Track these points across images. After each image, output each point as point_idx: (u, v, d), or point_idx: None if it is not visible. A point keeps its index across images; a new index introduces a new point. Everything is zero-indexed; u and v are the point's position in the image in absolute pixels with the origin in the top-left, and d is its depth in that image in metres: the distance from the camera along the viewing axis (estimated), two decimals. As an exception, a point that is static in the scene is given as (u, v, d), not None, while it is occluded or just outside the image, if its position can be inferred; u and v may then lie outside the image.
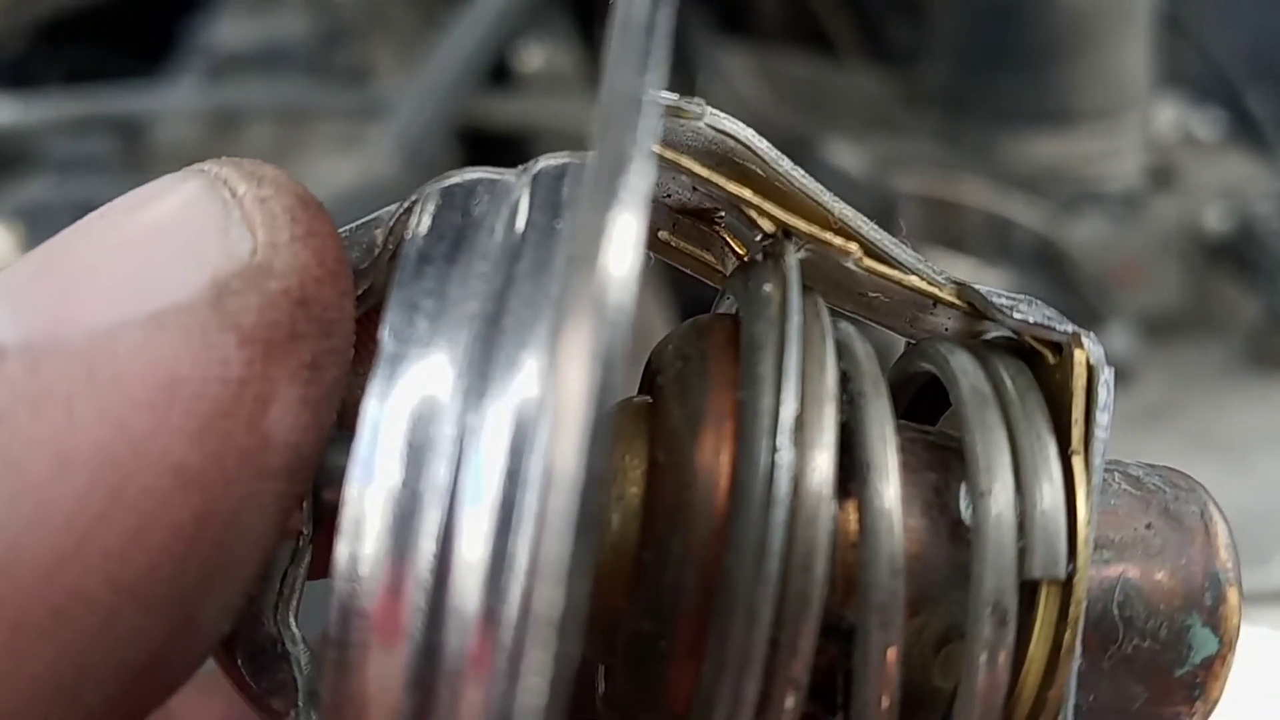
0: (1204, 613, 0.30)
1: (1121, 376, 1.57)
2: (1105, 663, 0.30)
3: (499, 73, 1.60)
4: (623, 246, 0.22)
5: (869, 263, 0.31)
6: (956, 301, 0.32)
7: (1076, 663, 0.28)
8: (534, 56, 1.80)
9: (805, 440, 0.27)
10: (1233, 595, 0.30)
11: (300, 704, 0.29)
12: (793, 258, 0.30)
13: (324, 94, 1.49)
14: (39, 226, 1.32)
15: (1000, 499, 0.28)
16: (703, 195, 0.33)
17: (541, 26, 1.81)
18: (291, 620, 0.29)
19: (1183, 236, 1.61)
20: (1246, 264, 1.62)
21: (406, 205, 0.30)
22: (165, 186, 0.28)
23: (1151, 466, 0.32)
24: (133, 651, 0.25)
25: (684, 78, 1.94)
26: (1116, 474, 0.32)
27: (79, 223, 0.28)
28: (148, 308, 0.24)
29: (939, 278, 0.32)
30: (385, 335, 0.26)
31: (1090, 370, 0.30)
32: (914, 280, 0.32)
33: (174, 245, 0.26)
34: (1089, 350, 0.30)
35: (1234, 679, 0.85)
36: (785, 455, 0.26)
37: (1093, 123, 1.61)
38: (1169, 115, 1.75)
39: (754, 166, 0.31)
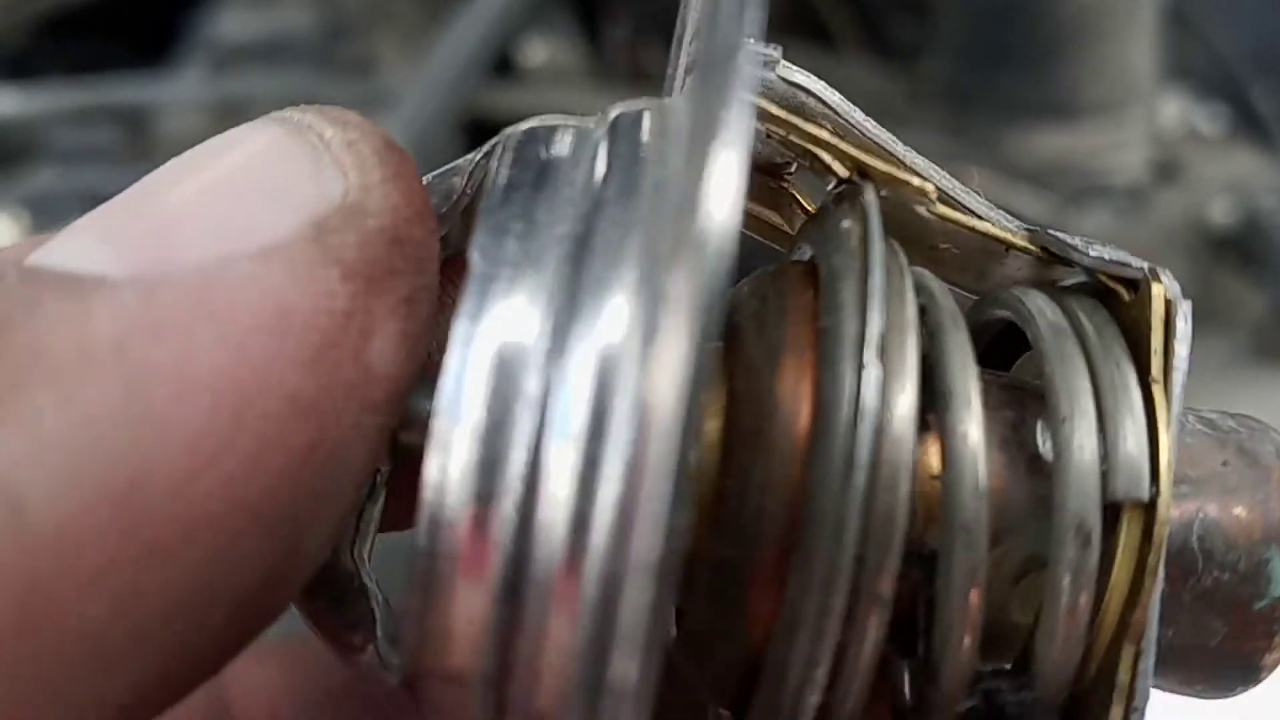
0: None
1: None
2: (1185, 595, 0.30)
3: (503, 66, 1.60)
4: (726, 185, 0.22)
5: (942, 209, 0.32)
6: (1030, 246, 0.32)
7: (1160, 586, 0.28)
8: (538, 51, 1.80)
9: (890, 364, 0.27)
10: None
11: (379, 635, 0.28)
12: (871, 194, 0.30)
13: (328, 86, 1.48)
14: (44, 216, 1.31)
15: (1081, 425, 0.28)
16: (775, 148, 0.33)
17: (545, 21, 1.81)
18: (366, 557, 0.29)
19: (1188, 230, 1.61)
20: (1252, 258, 1.62)
21: (485, 150, 0.30)
22: (248, 132, 0.29)
23: (1224, 412, 0.32)
24: (250, 573, 0.25)
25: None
26: (1191, 416, 0.32)
27: (163, 169, 0.29)
28: (252, 244, 0.25)
29: (1011, 224, 0.32)
30: (474, 256, 0.26)
31: (1168, 304, 0.30)
32: (987, 226, 0.32)
33: (268, 186, 0.27)
34: (1166, 285, 0.30)
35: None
36: (873, 372, 0.26)
37: (1097, 117, 1.61)
38: (1173, 110, 1.75)
39: (826, 121, 0.31)
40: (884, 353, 0.27)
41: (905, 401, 0.27)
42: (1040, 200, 1.57)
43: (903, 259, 0.30)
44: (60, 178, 1.36)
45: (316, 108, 0.29)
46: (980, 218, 0.32)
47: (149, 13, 1.63)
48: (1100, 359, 0.29)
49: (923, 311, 0.29)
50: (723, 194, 0.22)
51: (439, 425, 0.24)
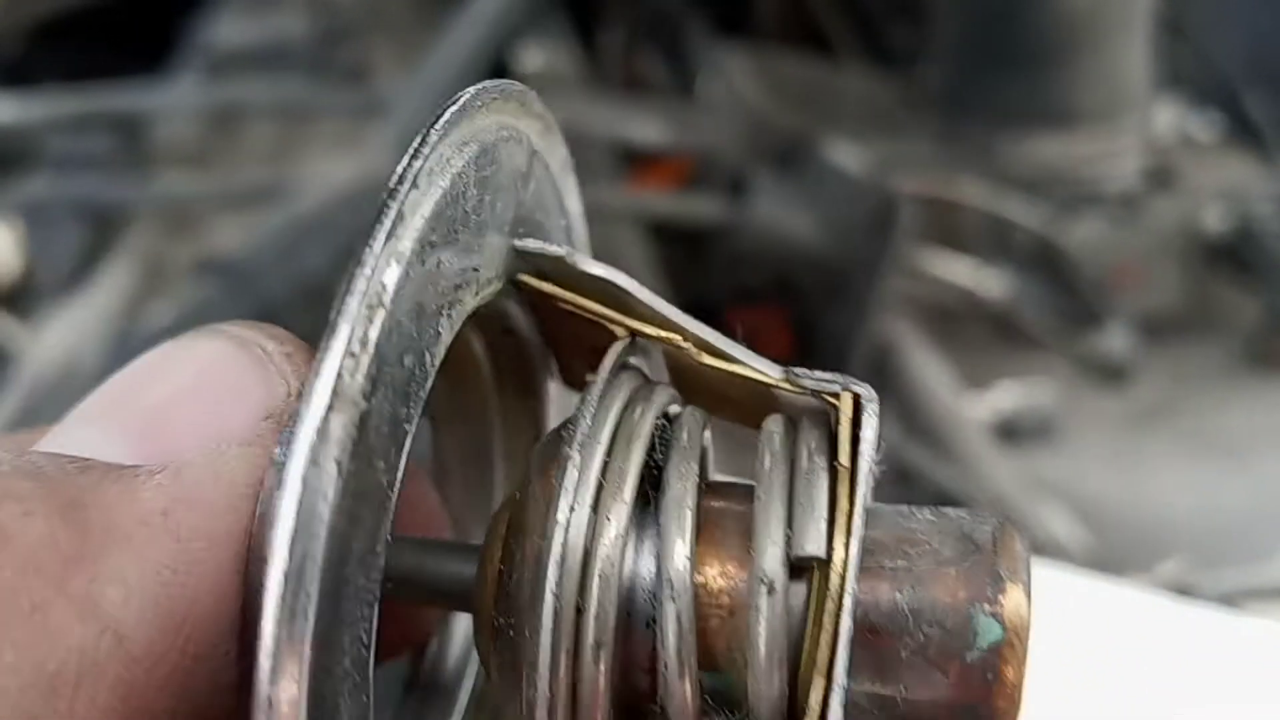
0: (987, 603, 0.33)
1: (1121, 376, 1.58)
2: (902, 651, 0.33)
3: (498, 73, 1.61)
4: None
5: (706, 358, 0.37)
6: (780, 382, 0.37)
7: (847, 629, 0.32)
8: (534, 57, 1.81)
9: (604, 499, 0.34)
10: (1015, 591, 0.33)
11: None
12: (614, 354, 0.37)
13: (323, 92, 1.48)
14: (39, 224, 1.32)
15: (771, 505, 0.34)
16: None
17: (541, 28, 1.82)
18: None
19: (1182, 237, 1.61)
20: (1245, 265, 1.62)
21: None
22: (199, 342, 0.36)
23: (972, 510, 0.36)
24: None
25: (683, 78, 1.94)
26: (927, 510, 0.35)
27: (132, 370, 0.36)
28: (231, 435, 0.33)
29: (766, 365, 0.37)
30: None
31: (856, 401, 0.35)
32: (746, 369, 0.37)
33: (229, 390, 0.35)
34: (859, 390, 0.35)
35: (1233, 670, 0.84)
36: (581, 514, 0.33)
37: (1092, 124, 1.61)
38: (1168, 117, 1.75)
39: (621, 295, 0.38)
40: (601, 489, 0.34)
41: (613, 531, 0.34)
42: (1034, 207, 1.58)
43: (657, 402, 0.36)
44: (55, 184, 1.36)
45: (251, 324, 0.36)
46: (741, 363, 0.37)
47: (145, 19, 1.64)
48: (802, 458, 0.35)
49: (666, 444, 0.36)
50: None
51: None
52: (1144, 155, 1.66)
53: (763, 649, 0.33)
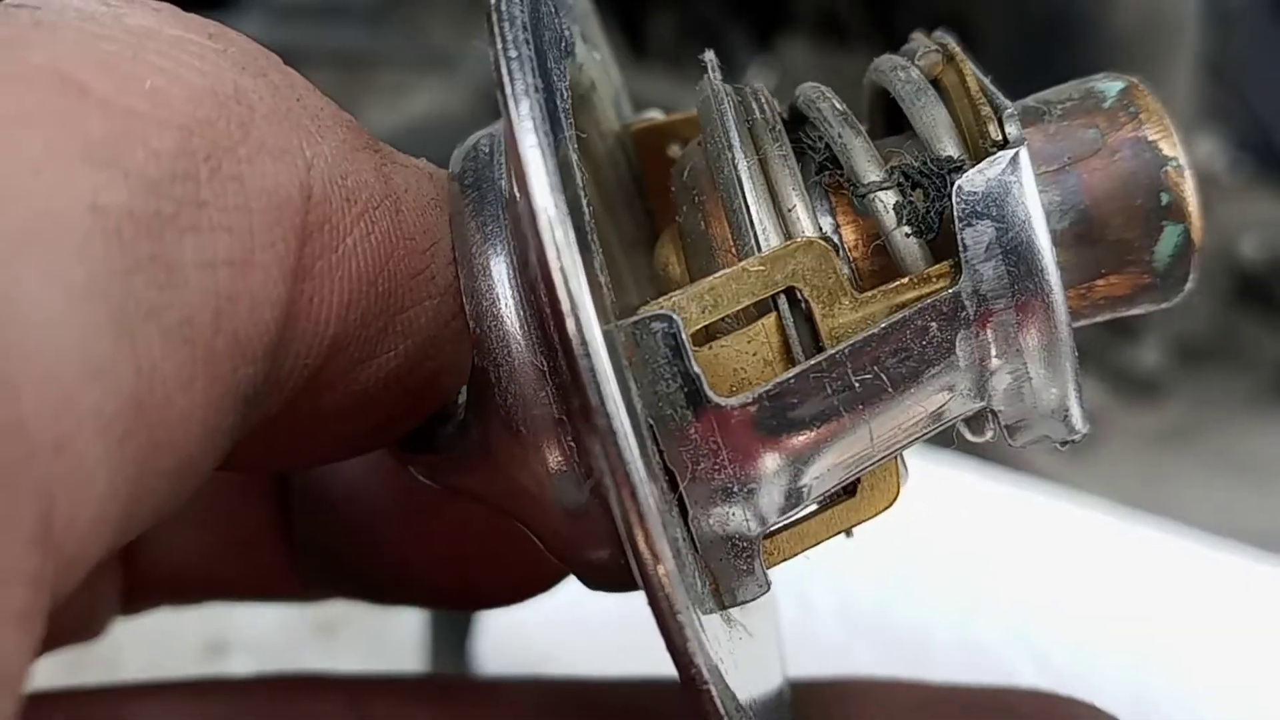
0: (1097, 81, 0.35)
1: (1151, 391, 1.58)
2: (1051, 127, 0.34)
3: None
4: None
5: None
6: None
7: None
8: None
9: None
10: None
11: None
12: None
13: (385, 42, 1.49)
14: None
15: None
16: None
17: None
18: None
19: (1216, 263, 1.63)
20: (1275, 301, 1.64)
21: None
22: None
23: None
24: None
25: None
26: None
27: None
28: None
29: None
30: None
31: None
32: None
33: None
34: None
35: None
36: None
37: (1134, 146, 1.63)
38: (1205, 151, 1.78)
39: None
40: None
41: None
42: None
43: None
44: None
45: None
46: None
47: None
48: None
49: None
50: None
51: None
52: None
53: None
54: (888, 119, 0.38)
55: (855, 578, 0.83)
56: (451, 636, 0.85)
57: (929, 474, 0.77)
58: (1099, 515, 0.93)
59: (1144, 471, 1.50)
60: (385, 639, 0.91)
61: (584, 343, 0.27)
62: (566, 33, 0.36)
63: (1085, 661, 0.80)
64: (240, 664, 0.91)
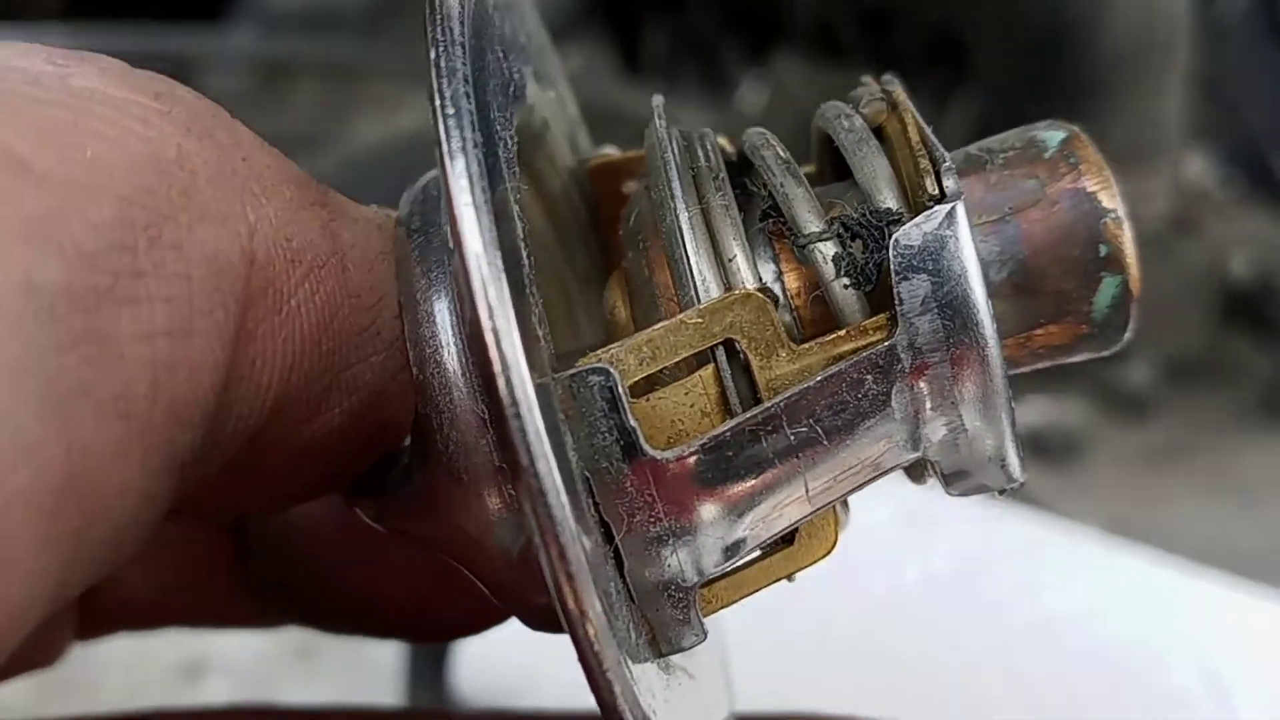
0: (1038, 130, 0.36)
1: (1140, 409, 1.58)
2: (992, 177, 0.35)
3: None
4: None
5: None
6: None
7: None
8: (571, 60, 1.82)
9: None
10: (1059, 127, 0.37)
11: None
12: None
13: (374, 54, 1.49)
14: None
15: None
16: None
17: (581, 35, 1.83)
18: None
19: (1207, 280, 1.63)
20: (1264, 320, 1.64)
21: None
22: None
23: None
24: None
25: (719, 95, 1.96)
26: None
27: None
28: None
29: None
30: None
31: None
32: None
33: None
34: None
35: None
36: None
37: (1124, 163, 1.62)
38: (1196, 168, 1.78)
39: None
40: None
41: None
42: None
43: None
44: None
45: None
46: None
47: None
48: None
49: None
50: None
51: None
52: (1172, 200, 1.68)
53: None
54: (835, 162, 0.38)
55: (836, 602, 0.83)
56: (429, 662, 0.85)
57: (906, 499, 0.77)
58: (1084, 542, 0.93)
59: (1133, 489, 1.50)
60: (364, 663, 0.91)
61: (514, 402, 0.27)
62: (516, 76, 0.36)
63: (1065, 691, 0.80)
64: (218, 687, 0.91)
